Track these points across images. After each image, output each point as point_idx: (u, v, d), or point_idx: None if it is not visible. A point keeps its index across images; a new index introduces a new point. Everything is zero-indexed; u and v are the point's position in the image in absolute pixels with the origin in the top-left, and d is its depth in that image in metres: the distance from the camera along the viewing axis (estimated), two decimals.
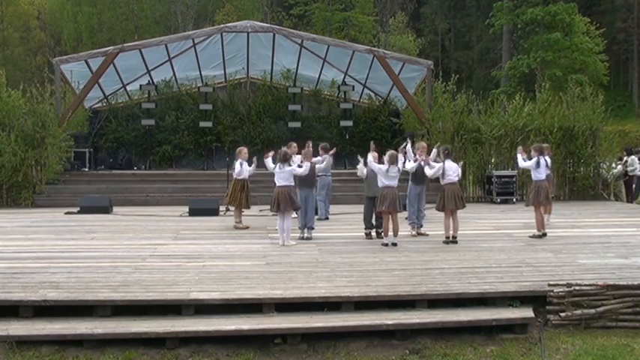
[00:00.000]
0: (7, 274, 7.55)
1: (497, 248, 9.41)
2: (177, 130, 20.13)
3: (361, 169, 10.21)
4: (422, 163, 10.62)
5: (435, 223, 10.94)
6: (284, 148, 10.60)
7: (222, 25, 19.59)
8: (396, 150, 10.35)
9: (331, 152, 12.39)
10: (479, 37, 54.00)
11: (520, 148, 11.56)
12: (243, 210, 11.83)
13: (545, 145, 11.79)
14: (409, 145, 11.78)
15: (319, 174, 12.13)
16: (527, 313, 6.82)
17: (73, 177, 16.93)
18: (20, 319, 6.46)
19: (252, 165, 11.65)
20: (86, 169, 17.96)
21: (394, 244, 9.56)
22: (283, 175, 9.89)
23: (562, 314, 6.84)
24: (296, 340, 6.35)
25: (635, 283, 7.15)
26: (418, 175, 10.81)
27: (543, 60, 37.19)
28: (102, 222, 12.51)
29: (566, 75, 35.15)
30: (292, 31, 20.34)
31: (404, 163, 10.44)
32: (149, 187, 16.66)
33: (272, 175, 10.53)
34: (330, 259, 8.62)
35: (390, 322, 6.47)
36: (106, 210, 13.99)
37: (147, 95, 19.79)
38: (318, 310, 6.65)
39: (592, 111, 17.58)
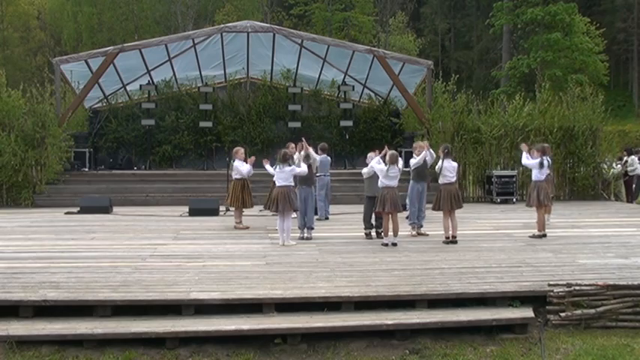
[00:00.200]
0: (7, 274, 7.55)
1: (497, 248, 9.41)
2: (177, 130, 20.13)
3: (370, 169, 10.11)
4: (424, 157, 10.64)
5: (435, 223, 10.93)
6: (283, 150, 10.60)
7: (222, 25, 19.59)
8: (396, 150, 10.34)
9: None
10: (479, 37, 53.98)
11: (523, 144, 11.54)
12: (243, 210, 11.82)
13: (545, 145, 11.78)
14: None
15: (318, 174, 12.13)
16: (527, 313, 6.82)
17: (73, 177, 16.94)
18: (20, 319, 6.46)
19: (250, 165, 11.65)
20: (86, 169, 17.96)
21: (394, 244, 9.56)
22: (283, 176, 9.89)
23: (562, 314, 6.84)
24: (296, 340, 6.35)
25: (635, 283, 7.15)
26: (419, 172, 10.80)
27: (543, 60, 37.18)
28: (102, 222, 12.51)
29: (566, 75, 35.13)
30: (292, 31, 20.34)
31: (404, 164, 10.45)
32: (149, 187, 16.66)
33: (271, 175, 10.54)
34: (330, 259, 8.62)
35: (390, 322, 6.47)
36: (106, 210, 14.00)
37: (147, 95, 19.79)
38: (318, 310, 6.65)
39: (592, 111, 17.58)
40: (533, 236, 10.38)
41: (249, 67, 20.75)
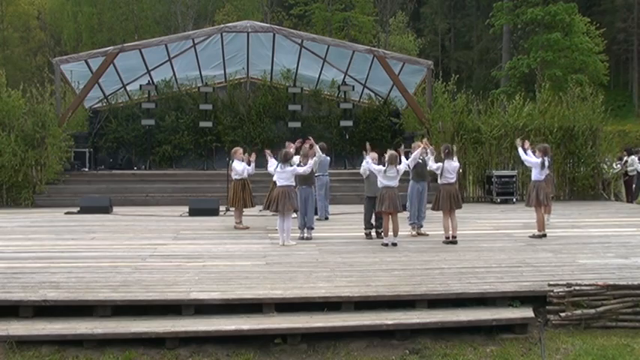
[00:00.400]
0: (7, 274, 7.55)
1: (497, 248, 9.41)
2: (177, 130, 20.13)
3: (365, 168, 10.15)
4: (423, 156, 10.63)
5: (435, 223, 10.93)
6: (284, 149, 10.60)
7: (222, 25, 19.59)
8: (396, 150, 10.34)
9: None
10: (479, 37, 53.99)
11: (518, 139, 11.43)
12: (243, 210, 11.82)
13: (547, 145, 11.75)
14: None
15: (317, 174, 12.13)
16: (527, 313, 6.82)
17: (73, 177, 16.94)
18: (20, 319, 6.46)
19: (252, 164, 11.65)
20: (86, 169, 17.97)
21: (394, 244, 9.56)
22: (284, 176, 9.89)
23: (562, 314, 6.84)
24: (296, 340, 6.35)
25: (635, 283, 7.15)
26: (418, 171, 10.80)
27: (543, 60, 37.18)
28: (102, 222, 12.51)
29: (566, 75, 35.12)
30: (292, 31, 20.34)
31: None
32: (149, 187, 16.66)
33: (271, 175, 10.53)
34: (330, 259, 8.62)
35: (390, 322, 6.47)
36: (106, 210, 14.00)
37: (147, 95, 19.79)
38: (318, 310, 6.65)
39: (592, 111, 17.58)
40: (533, 236, 10.37)
41: (249, 67, 20.75)
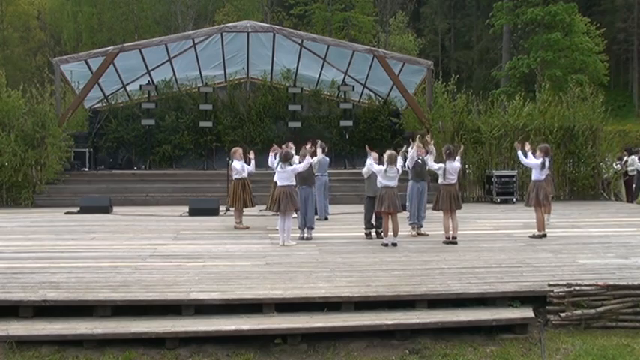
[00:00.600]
0: (7, 274, 7.55)
1: (497, 248, 9.41)
2: (177, 130, 20.13)
3: (367, 168, 10.12)
4: (422, 156, 10.63)
5: (435, 223, 10.93)
6: (285, 149, 10.60)
7: (222, 25, 19.59)
8: (396, 151, 10.33)
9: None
10: (479, 37, 53.99)
11: (516, 143, 11.50)
12: (243, 210, 11.83)
13: (547, 145, 11.75)
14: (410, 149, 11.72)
15: (316, 174, 12.13)
16: (527, 313, 6.81)
17: (73, 177, 16.94)
18: (20, 319, 6.46)
19: (252, 164, 11.66)
20: (86, 169, 17.97)
21: (394, 244, 9.56)
22: (285, 175, 9.90)
23: (562, 314, 6.84)
24: (296, 340, 6.35)
25: (635, 283, 7.15)
26: (418, 171, 10.80)
27: (543, 60, 37.19)
28: (102, 222, 12.51)
29: (566, 75, 35.13)
30: (292, 31, 20.35)
31: (403, 164, 10.42)
32: (149, 187, 16.66)
33: (272, 175, 10.55)
34: (330, 259, 8.62)
35: (390, 322, 6.47)
36: (106, 210, 14.00)
37: (147, 95, 19.80)
38: (318, 310, 6.65)
39: (592, 111, 17.59)
40: (533, 236, 10.38)
41: (249, 67, 20.75)
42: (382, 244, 9.64)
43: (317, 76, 20.63)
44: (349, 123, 19.91)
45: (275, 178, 10.37)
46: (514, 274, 7.62)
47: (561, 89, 22.83)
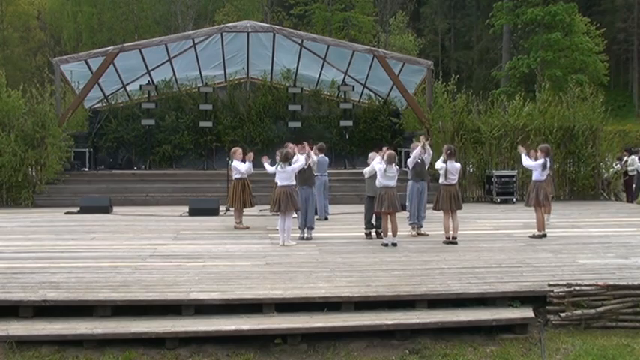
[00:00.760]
0: (7, 274, 7.55)
1: (497, 248, 9.41)
2: (177, 130, 20.13)
3: (371, 169, 10.11)
4: (422, 155, 10.63)
5: (435, 223, 10.93)
6: (284, 149, 10.60)
7: (222, 25, 19.58)
8: (396, 151, 10.33)
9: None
10: (479, 37, 53.98)
11: (520, 147, 11.54)
12: (243, 210, 11.82)
13: (547, 145, 11.75)
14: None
15: (316, 174, 12.13)
16: (527, 313, 6.82)
17: (73, 177, 16.94)
18: (20, 319, 6.46)
19: (249, 164, 11.66)
20: (86, 169, 17.98)
21: (394, 244, 9.56)
22: (285, 175, 9.90)
23: (562, 314, 6.84)
24: (296, 340, 6.35)
25: (635, 283, 7.15)
26: (418, 171, 10.80)
27: (543, 60, 37.20)
28: (102, 222, 12.51)
29: (566, 75, 35.14)
30: (292, 31, 20.34)
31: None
32: (149, 187, 16.66)
33: (272, 175, 10.54)
34: (330, 259, 8.62)
35: (390, 322, 6.47)
36: (106, 210, 14.00)
37: (147, 95, 19.79)
38: (318, 310, 6.65)
39: (592, 111, 17.58)
40: (533, 236, 10.38)
41: (249, 67, 20.75)
42: (382, 244, 9.65)
43: (317, 76, 20.63)
44: (349, 123, 19.91)
45: (275, 179, 10.37)
46: (514, 274, 7.62)
47: (561, 89, 22.81)
